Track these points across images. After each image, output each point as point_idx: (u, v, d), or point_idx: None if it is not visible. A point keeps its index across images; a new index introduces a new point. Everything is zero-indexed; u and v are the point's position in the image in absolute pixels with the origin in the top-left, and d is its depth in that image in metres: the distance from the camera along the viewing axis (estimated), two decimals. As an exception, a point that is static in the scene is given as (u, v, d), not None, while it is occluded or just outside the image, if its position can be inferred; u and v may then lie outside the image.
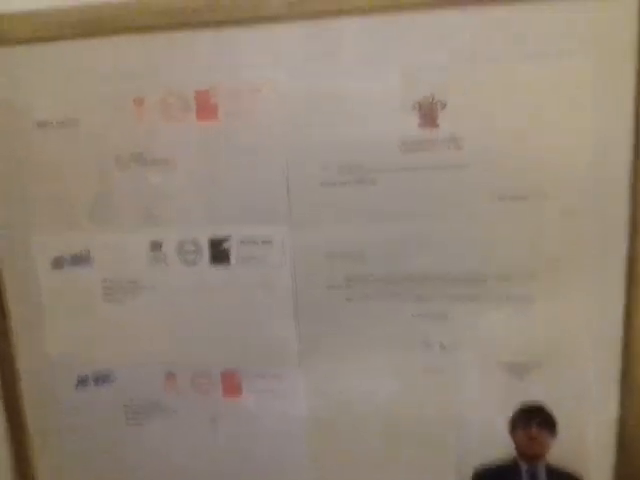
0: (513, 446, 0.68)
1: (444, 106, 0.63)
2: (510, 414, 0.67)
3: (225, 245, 0.72)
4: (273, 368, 0.73)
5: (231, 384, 0.75)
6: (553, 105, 0.60)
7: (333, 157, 0.66)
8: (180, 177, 0.71)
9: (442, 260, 0.66)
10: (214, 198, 0.70)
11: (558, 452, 0.66)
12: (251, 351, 0.73)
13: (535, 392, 0.66)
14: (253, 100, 0.67)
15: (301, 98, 0.65)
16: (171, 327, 0.75)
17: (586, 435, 0.66)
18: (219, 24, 0.64)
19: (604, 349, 0.64)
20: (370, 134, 0.65)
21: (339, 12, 0.62)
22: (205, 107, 0.68)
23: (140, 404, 0.77)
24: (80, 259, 0.74)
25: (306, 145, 0.66)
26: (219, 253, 0.72)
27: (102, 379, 0.77)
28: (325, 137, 0.66)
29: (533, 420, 0.67)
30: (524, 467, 0.67)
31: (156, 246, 0.73)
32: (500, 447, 0.68)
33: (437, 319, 0.67)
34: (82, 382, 0.77)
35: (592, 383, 0.65)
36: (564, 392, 0.66)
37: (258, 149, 0.68)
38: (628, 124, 0.59)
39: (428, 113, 0.63)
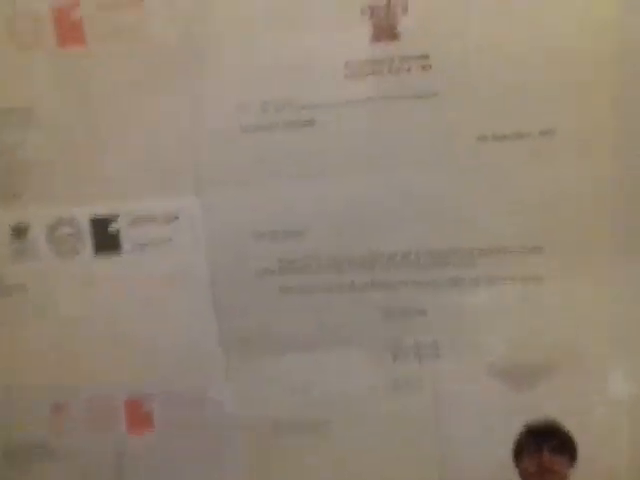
0: None
1: (405, 10, 0.44)
2: (513, 437, 0.49)
3: (113, 227, 0.52)
4: (191, 390, 0.54)
5: (138, 414, 0.55)
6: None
7: (253, 90, 0.47)
8: (44, 132, 0.50)
9: (411, 233, 0.47)
10: (92, 159, 0.50)
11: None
12: (161, 368, 0.54)
13: (545, 406, 0.48)
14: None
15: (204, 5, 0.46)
16: (53, 341, 0.55)
17: (614, 462, 0.48)
18: None
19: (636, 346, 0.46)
20: (302, 54, 0.46)
21: None
22: (67, 27, 0.48)
23: (21, 447, 0.57)
24: None
25: (216, 75, 0.47)
26: (106, 238, 0.52)
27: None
28: (241, 62, 0.46)
29: (545, 444, 0.49)
30: (534, 507, 0.49)
31: (20, 232, 0.53)
32: (501, 482, 0.50)
33: (409, 315, 0.49)
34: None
35: (620, 391, 0.47)
36: (582, 404, 0.48)
37: (148, 84, 0.48)
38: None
39: (383, 21, 0.44)
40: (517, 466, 0.49)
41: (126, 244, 0.52)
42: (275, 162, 0.48)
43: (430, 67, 0.44)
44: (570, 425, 0.48)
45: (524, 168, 0.44)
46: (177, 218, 0.50)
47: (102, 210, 0.51)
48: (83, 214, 0.51)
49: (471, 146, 0.45)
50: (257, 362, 0.52)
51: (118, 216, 0.51)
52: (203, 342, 0.52)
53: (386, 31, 0.44)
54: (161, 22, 0.47)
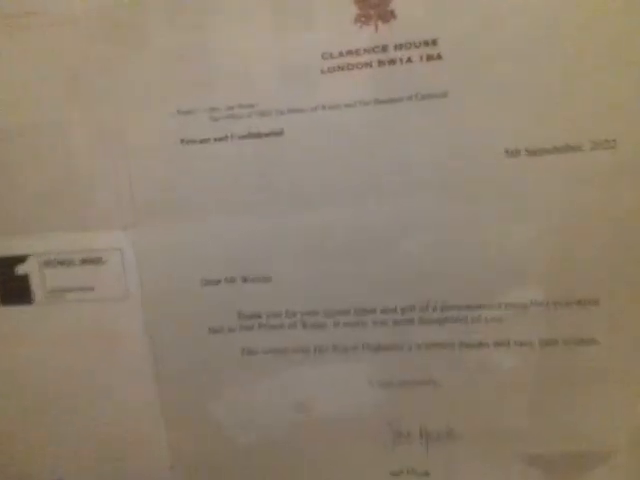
0: None
1: (402, -22, 0.32)
2: None
3: (21, 270, 0.39)
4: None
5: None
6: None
7: (198, 93, 0.35)
8: None
9: (415, 279, 0.35)
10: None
11: None
12: (87, 457, 0.41)
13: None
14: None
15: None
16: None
17: None
18: None
19: None
20: (263, 44, 0.33)
21: None
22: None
23: None
24: None
25: (148, 73, 0.35)
26: (14, 285, 0.39)
27: None
28: (180, 55, 0.34)
29: None
30: None
31: None
32: None
33: (412, 387, 0.37)
34: None
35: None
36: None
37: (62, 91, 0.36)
38: None
39: (372, -5, 0.32)
40: None
41: (38, 292, 0.39)
42: (230, 185, 0.35)
43: (439, 57, 0.32)
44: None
45: (570, 192, 0.33)
46: (101, 260, 0.38)
47: (6, 249, 0.39)
48: (-19, 254, 0.39)
49: (496, 163, 0.33)
50: (216, 452, 0.39)
51: (27, 257, 0.39)
52: (142, 423, 0.40)
53: (376, 8, 0.32)
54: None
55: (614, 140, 0.31)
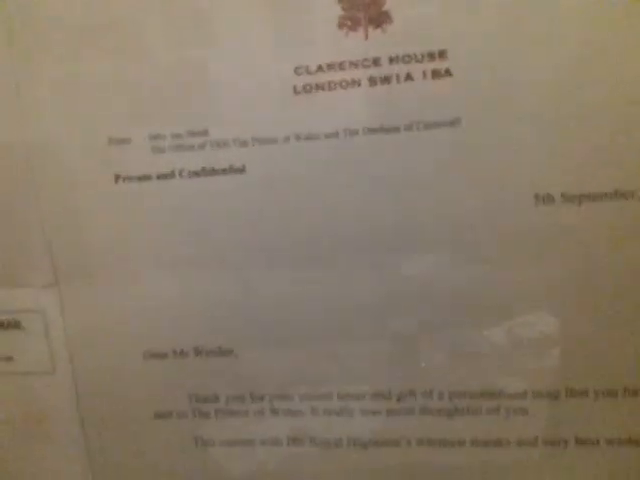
0: None
1: (400, -29, 0.24)
2: None
3: None
4: None
5: None
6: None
7: (138, 117, 0.27)
8: None
9: (424, 359, 0.27)
10: None
11: None
12: None
13: None
14: None
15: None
16: None
17: None
18: None
19: None
20: (220, 56, 0.26)
21: None
22: None
23: None
24: None
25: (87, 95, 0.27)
26: None
27: None
28: (110, 73, 0.27)
29: None
30: None
31: None
32: None
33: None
34: None
35: None
36: None
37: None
38: None
39: (361, -8, 0.25)
40: None
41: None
42: (178, 235, 0.28)
43: (448, 73, 0.24)
44: None
45: (618, 252, 0.25)
46: (20, 325, 0.30)
47: None
48: None
49: (524, 213, 0.25)
50: None
51: None
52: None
53: (366, 9, 0.25)
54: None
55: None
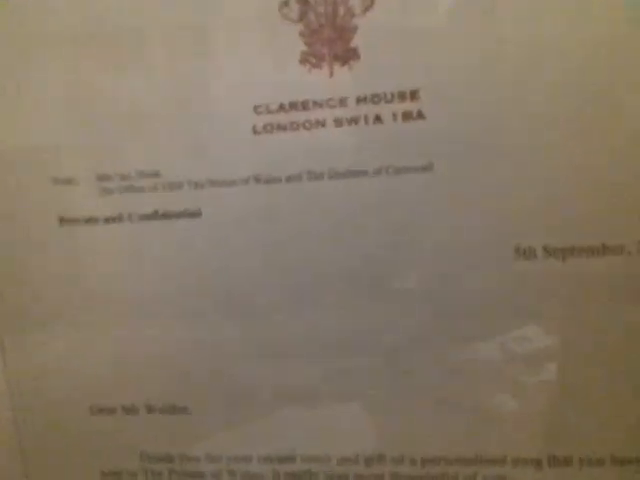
0: None
1: (370, 3, 0.22)
2: None
3: None
4: None
5: None
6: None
7: (83, 156, 0.25)
8: None
9: (382, 414, 0.25)
10: None
11: None
12: None
13: None
14: None
15: None
16: None
17: None
18: None
19: None
20: (175, 92, 0.24)
21: None
22: None
23: None
24: None
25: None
26: None
27: None
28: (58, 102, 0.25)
29: None
30: None
31: None
32: None
33: None
34: None
35: None
36: None
37: None
38: None
39: (326, 26, 0.23)
40: None
41: None
42: (127, 283, 0.25)
43: (420, 115, 0.22)
44: None
45: (609, 312, 0.23)
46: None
47: None
48: None
49: (503, 267, 0.23)
50: None
51: None
52: None
53: (331, 45, 0.23)
54: None
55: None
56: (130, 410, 0.27)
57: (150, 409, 0.26)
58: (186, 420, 0.26)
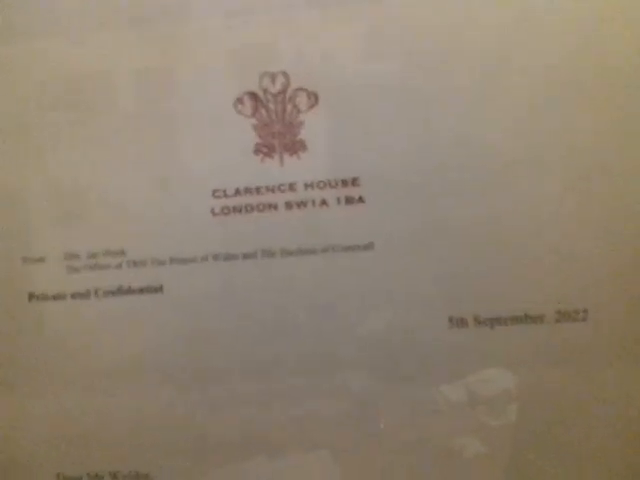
0: None
1: (315, 100, 0.25)
2: None
3: None
4: None
5: None
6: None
7: (53, 235, 0.27)
8: None
9: None
10: None
11: None
12: None
13: None
14: None
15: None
16: None
17: None
18: None
19: None
20: (138, 174, 0.26)
21: None
22: None
23: None
24: None
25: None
26: None
27: None
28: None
29: None
30: None
31: None
32: None
33: None
34: None
35: None
36: None
37: None
38: None
39: (277, 121, 0.25)
40: None
41: None
42: (92, 355, 0.27)
43: (361, 200, 0.25)
44: None
45: (532, 375, 0.25)
46: None
47: None
48: None
49: (438, 336, 0.25)
50: None
51: None
52: None
53: (281, 137, 0.25)
54: None
55: (585, 311, 0.24)
56: (95, 478, 0.27)
57: (114, 477, 0.27)
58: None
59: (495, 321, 0.25)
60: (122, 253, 0.26)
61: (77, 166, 0.26)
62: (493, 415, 0.25)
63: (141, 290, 0.26)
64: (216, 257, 0.26)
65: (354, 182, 0.25)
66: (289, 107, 0.25)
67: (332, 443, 0.26)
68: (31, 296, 0.27)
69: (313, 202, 0.25)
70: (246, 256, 0.26)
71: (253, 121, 0.25)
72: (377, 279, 0.25)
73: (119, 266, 0.26)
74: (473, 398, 0.25)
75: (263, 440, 0.27)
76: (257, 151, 0.25)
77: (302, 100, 0.25)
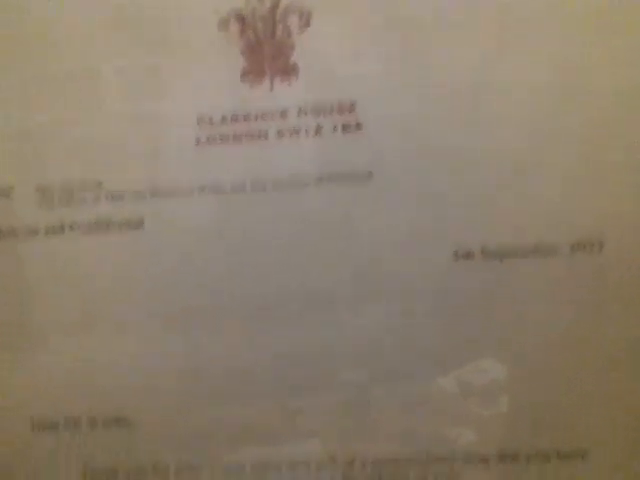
0: None
1: (306, 21, 0.23)
2: None
3: None
4: None
5: None
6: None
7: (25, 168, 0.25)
8: None
9: (337, 418, 0.26)
10: None
11: None
12: None
13: None
14: None
15: None
16: None
17: None
18: None
19: None
20: (116, 103, 0.24)
21: None
22: None
23: None
24: None
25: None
26: None
27: None
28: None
29: None
30: None
31: None
32: None
33: None
34: None
35: None
36: None
37: None
38: None
39: (266, 43, 0.24)
40: None
41: None
42: (67, 295, 0.25)
43: (358, 126, 0.23)
44: None
45: (541, 311, 0.24)
46: None
47: None
48: None
49: (442, 269, 0.24)
50: None
51: None
52: None
53: (272, 61, 0.24)
54: None
55: (601, 243, 0.23)
56: (73, 424, 0.26)
57: (93, 421, 0.26)
58: (129, 431, 0.26)
59: (505, 253, 0.24)
60: (99, 184, 0.24)
61: (50, 97, 0.24)
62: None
63: (120, 225, 0.24)
64: (202, 190, 0.24)
65: (351, 108, 0.23)
66: (279, 29, 0.23)
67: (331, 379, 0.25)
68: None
69: (306, 130, 0.23)
70: (234, 189, 0.24)
71: (240, 44, 0.23)
72: (376, 211, 0.24)
73: (96, 199, 0.24)
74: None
75: (248, 380, 0.25)
76: (245, 76, 0.23)
77: (293, 21, 0.23)
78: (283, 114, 0.23)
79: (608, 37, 0.22)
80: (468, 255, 0.24)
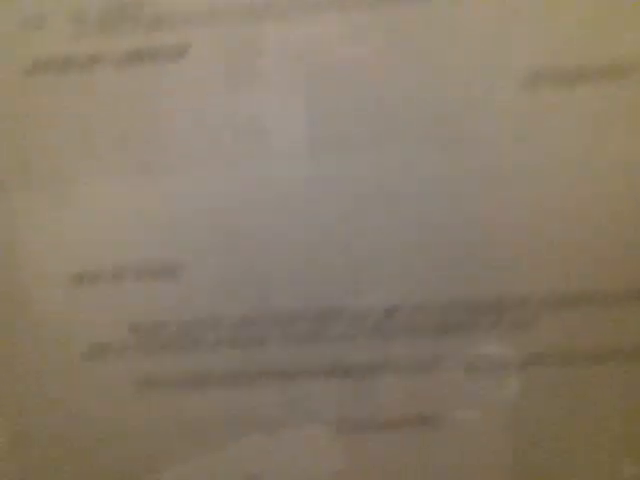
0: None
1: None
2: None
3: None
4: None
5: None
6: None
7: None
8: None
9: (397, 265, 0.24)
10: None
11: None
12: None
13: None
14: None
15: None
16: None
17: None
18: None
19: None
20: None
21: None
22: None
23: None
24: None
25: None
26: None
27: None
28: None
29: None
30: None
31: None
32: None
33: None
34: None
35: None
36: None
37: None
38: None
39: None
40: None
41: None
42: (105, 133, 0.23)
43: None
44: None
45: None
46: None
47: None
48: None
49: (506, 97, 0.22)
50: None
51: None
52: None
53: None
54: None
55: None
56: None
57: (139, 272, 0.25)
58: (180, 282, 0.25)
59: (576, 76, 0.21)
60: (141, 5, 0.22)
61: None
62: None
63: (161, 52, 0.22)
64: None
65: None
66: None
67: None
68: (34, 65, 0.23)
69: None
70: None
71: None
72: (432, 35, 0.21)
73: (137, 21, 0.22)
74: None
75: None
76: None
77: None
78: None
79: None
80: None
